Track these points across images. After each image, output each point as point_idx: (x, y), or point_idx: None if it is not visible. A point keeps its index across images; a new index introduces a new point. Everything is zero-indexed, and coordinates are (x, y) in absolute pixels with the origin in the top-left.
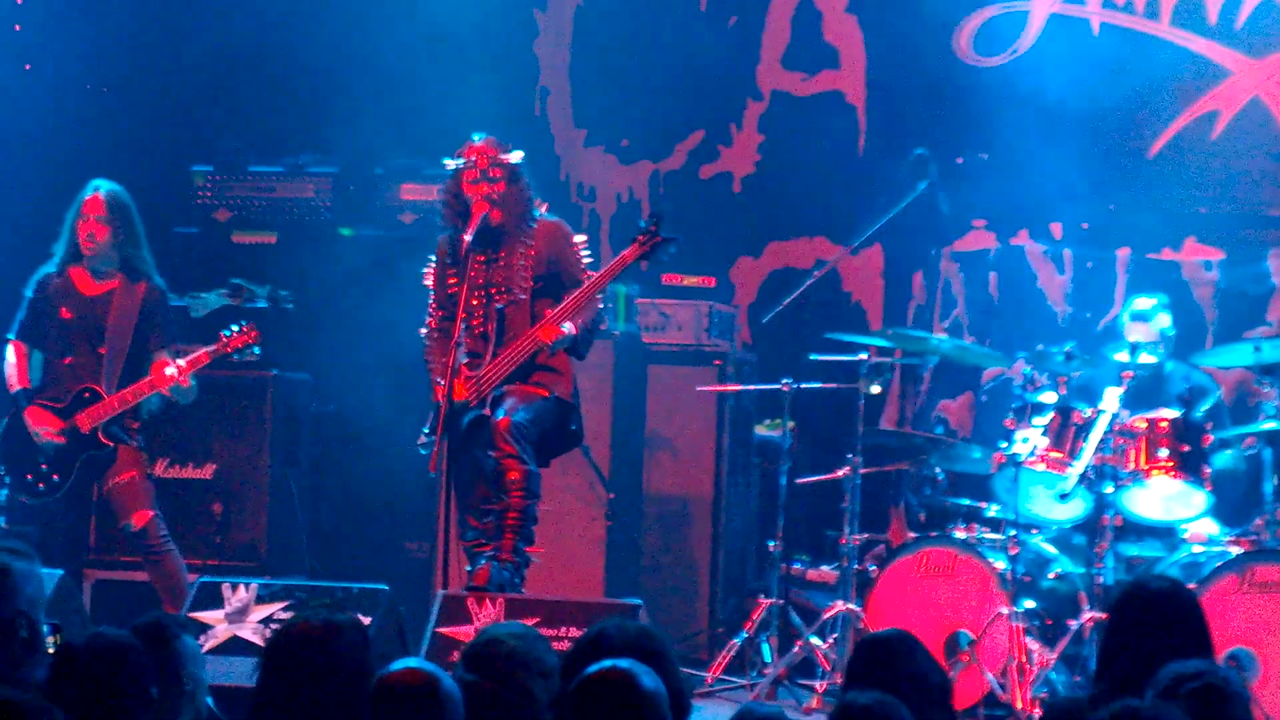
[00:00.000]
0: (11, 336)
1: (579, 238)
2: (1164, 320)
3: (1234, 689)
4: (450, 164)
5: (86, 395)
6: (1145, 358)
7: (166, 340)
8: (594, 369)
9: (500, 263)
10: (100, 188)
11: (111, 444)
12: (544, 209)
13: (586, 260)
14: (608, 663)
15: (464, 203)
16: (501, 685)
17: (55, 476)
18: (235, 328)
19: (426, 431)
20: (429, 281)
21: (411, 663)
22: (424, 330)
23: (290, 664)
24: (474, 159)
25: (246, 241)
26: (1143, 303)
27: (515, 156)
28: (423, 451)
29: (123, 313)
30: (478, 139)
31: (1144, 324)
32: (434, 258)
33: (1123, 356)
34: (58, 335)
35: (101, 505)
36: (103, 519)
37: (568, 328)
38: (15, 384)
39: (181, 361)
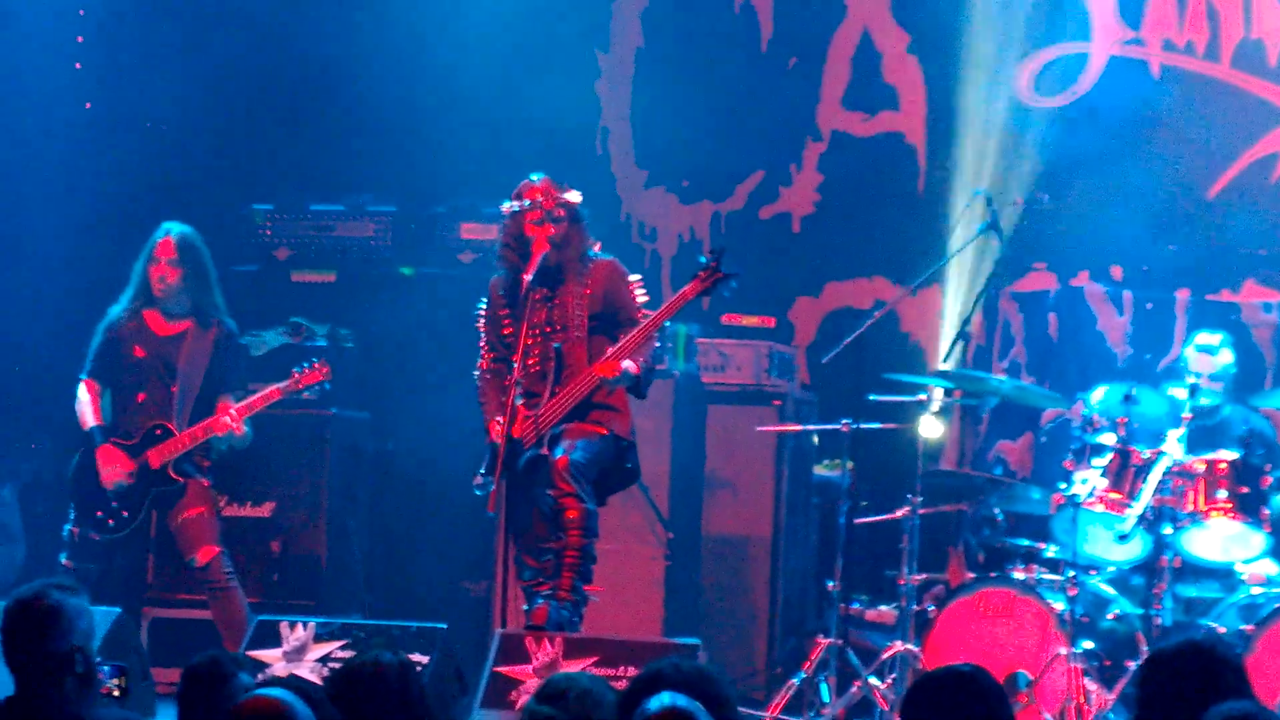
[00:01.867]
0: (84, 376)
1: (634, 276)
2: (1227, 356)
3: None
4: (509, 207)
5: (158, 432)
6: (1205, 398)
7: (235, 383)
8: (653, 408)
9: (556, 301)
10: (171, 231)
11: (181, 480)
12: (597, 247)
13: (643, 299)
14: (667, 701)
15: (525, 244)
16: (574, 719)
17: (125, 513)
18: (307, 365)
19: (483, 472)
20: (481, 324)
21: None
22: (476, 372)
23: (347, 704)
24: (539, 199)
25: (306, 280)
26: (1207, 337)
27: (575, 196)
28: (478, 492)
29: (195, 353)
30: (536, 179)
31: (1209, 356)
32: (485, 300)
33: (1180, 394)
34: (130, 373)
35: (160, 542)
36: (161, 557)
37: (628, 365)
38: (89, 421)
39: (234, 410)
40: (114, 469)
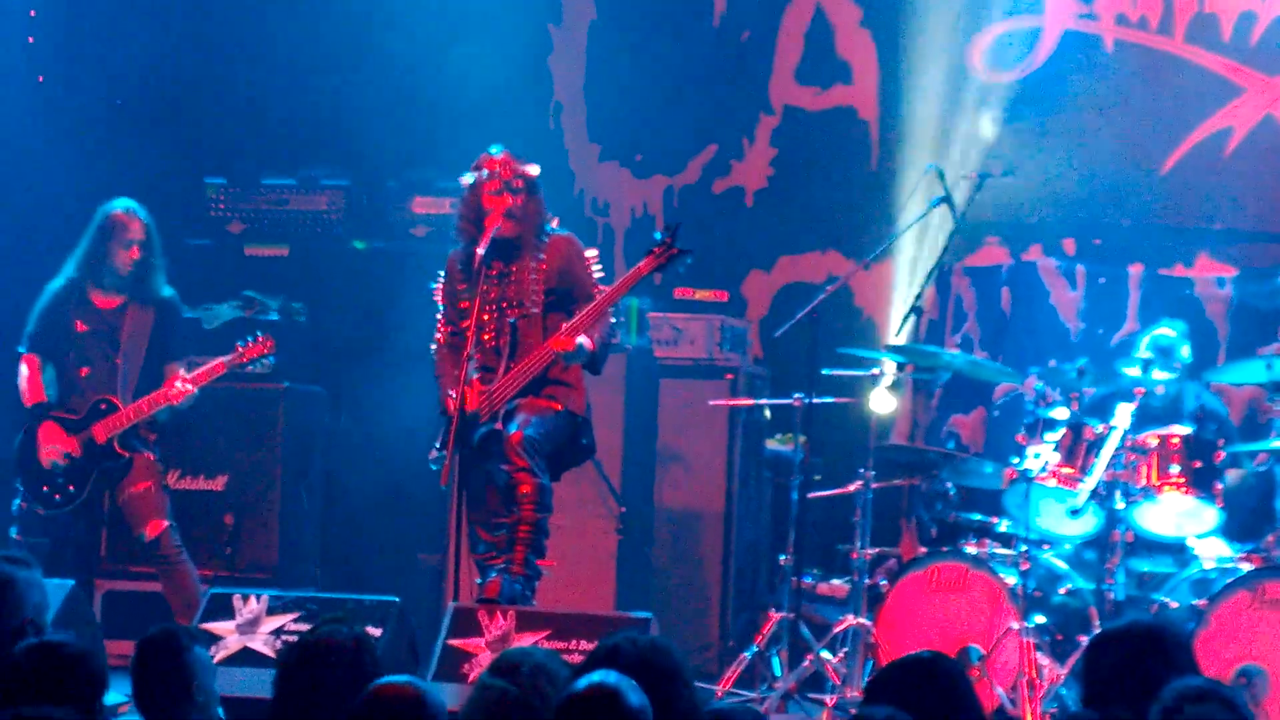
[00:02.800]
0: (23, 350)
1: (590, 252)
2: (1184, 352)
3: (1240, 709)
4: (467, 179)
5: (103, 406)
6: (1159, 374)
7: (180, 352)
8: (606, 383)
9: (512, 277)
10: (131, 209)
11: (128, 455)
12: (555, 223)
13: (598, 275)
14: (596, 678)
15: (482, 216)
16: (526, 693)
17: (71, 488)
18: (250, 338)
19: (438, 446)
20: (438, 297)
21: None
22: (433, 345)
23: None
24: (496, 170)
25: (259, 254)
26: (1166, 333)
27: (534, 169)
28: (433, 466)
29: (138, 324)
30: (495, 151)
31: (1165, 358)
32: (443, 273)
33: (1134, 371)
34: (73, 347)
35: (113, 516)
36: (114, 530)
37: (583, 341)
38: (31, 398)
39: (188, 375)
40: (53, 448)
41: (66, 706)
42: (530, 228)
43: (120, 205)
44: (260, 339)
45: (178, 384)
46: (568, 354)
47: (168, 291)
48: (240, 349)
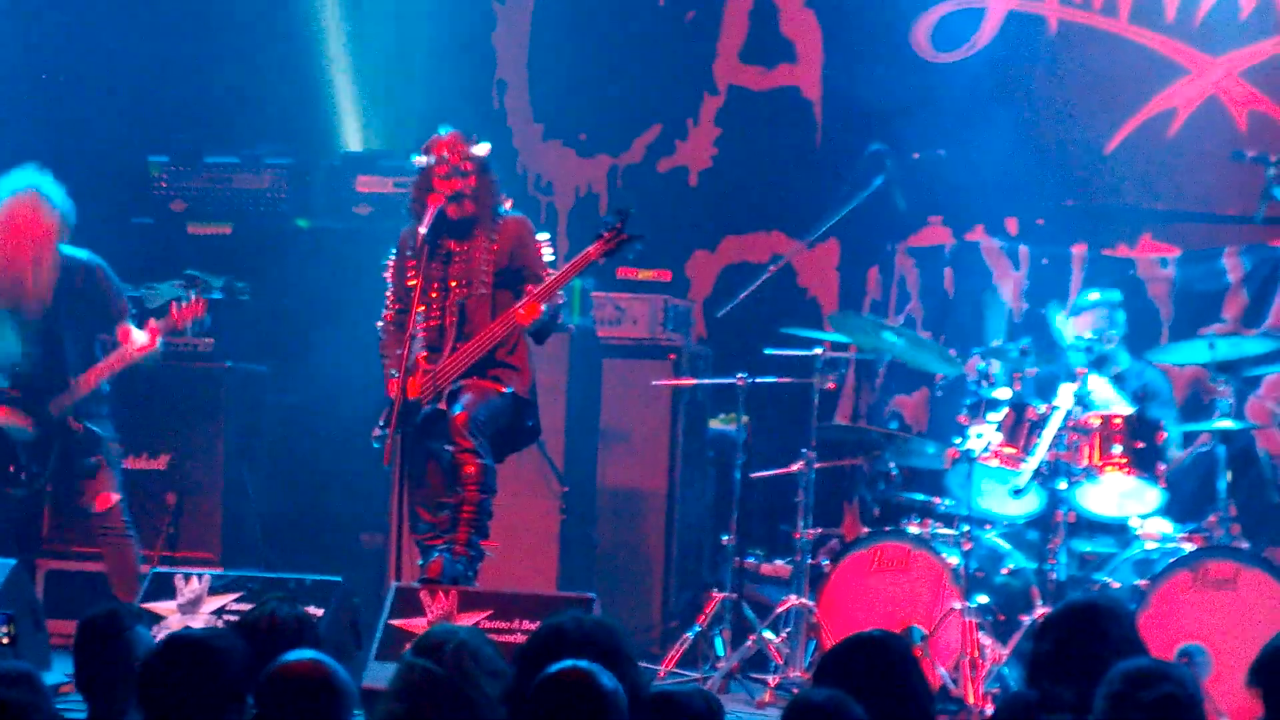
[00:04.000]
0: None
1: (542, 235)
2: (1091, 319)
3: (1190, 695)
4: (419, 160)
5: (53, 382)
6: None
7: (120, 312)
8: (549, 362)
9: (463, 257)
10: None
11: (81, 428)
12: (508, 205)
13: (548, 258)
14: (568, 663)
15: (429, 198)
16: (450, 673)
17: (35, 466)
18: (183, 300)
19: (381, 425)
20: (389, 274)
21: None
22: (380, 323)
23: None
24: (445, 154)
25: (202, 232)
26: (1088, 296)
27: (483, 149)
28: (376, 445)
29: (68, 298)
30: (444, 133)
31: (1078, 317)
32: (394, 250)
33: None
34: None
35: (56, 495)
36: (56, 509)
37: (545, 308)
38: None
39: (144, 332)
40: (15, 423)
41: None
42: (483, 208)
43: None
44: (193, 300)
45: (136, 337)
46: (534, 322)
47: (91, 258)
48: (174, 311)
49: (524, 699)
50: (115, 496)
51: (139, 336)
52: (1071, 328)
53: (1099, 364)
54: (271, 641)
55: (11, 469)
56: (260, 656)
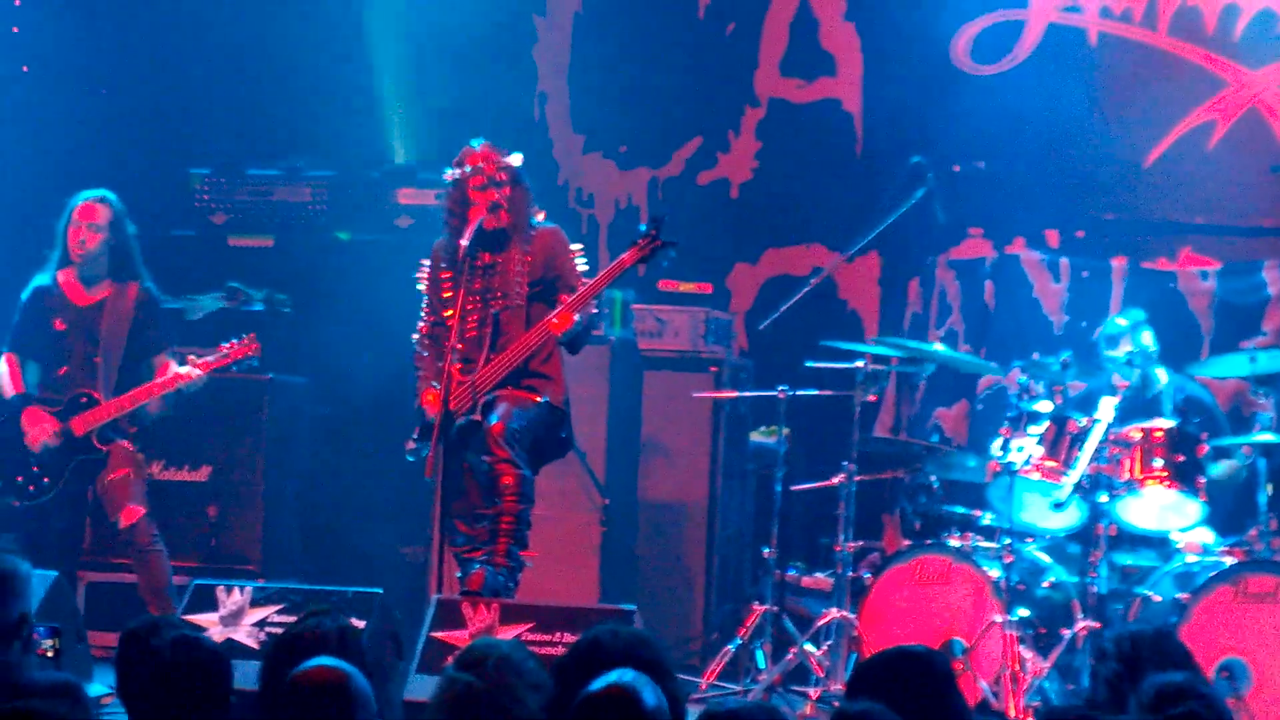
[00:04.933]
0: (4, 349)
1: (576, 245)
2: (1145, 339)
3: (1218, 709)
4: (452, 174)
5: (84, 400)
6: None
7: (163, 344)
8: (590, 374)
9: (498, 268)
10: (90, 196)
11: (105, 448)
12: (541, 216)
13: (582, 268)
14: (612, 678)
15: (469, 210)
16: (492, 687)
17: (46, 480)
18: (235, 339)
19: (415, 437)
20: (423, 286)
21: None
22: (415, 335)
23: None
24: (480, 165)
25: (243, 245)
26: (1116, 322)
27: (516, 160)
28: (410, 458)
29: (116, 319)
30: (477, 145)
31: (1115, 349)
32: (428, 262)
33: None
34: (52, 347)
35: (96, 507)
36: (98, 522)
37: (578, 317)
38: (9, 392)
39: (196, 362)
40: (41, 428)
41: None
42: (517, 220)
43: (83, 196)
44: (245, 340)
45: (182, 368)
46: (565, 332)
47: (146, 283)
48: (224, 349)
49: (564, 712)
50: (141, 510)
51: (186, 367)
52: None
53: (1143, 382)
54: (313, 654)
55: (20, 479)
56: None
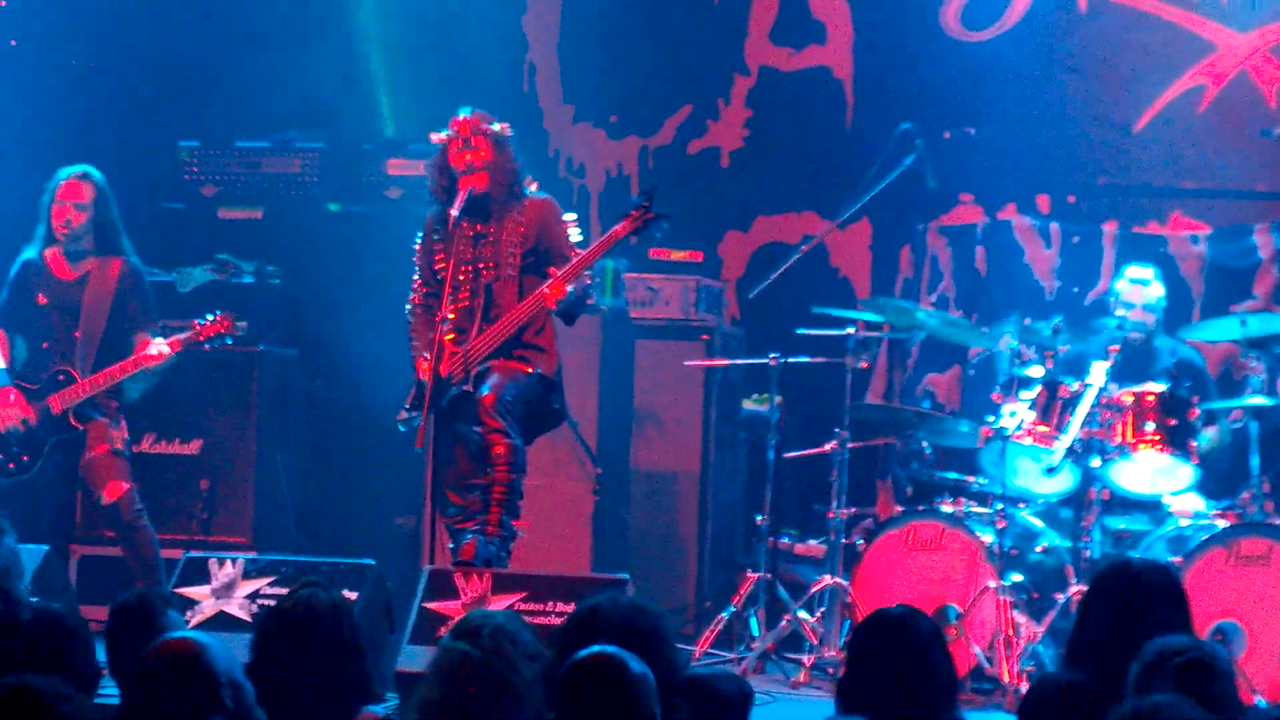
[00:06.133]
0: None
1: (569, 215)
2: (1158, 289)
3: (1221, 664)
4: (437, 138)
5: (60, 378)
6: (1134, 330)
7: (146, 320)
8: (581, 344)
9: (489, 238)
10: (73, 173)
11: (81, 426)
12: (534, 186)
13: (575, 239)
14: (596, 648)
15: (451, 177)
16: (488, 656)
17: (25, 458)
18: (210, 316)
19: (407, 407)
20: (418, 258)
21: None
22: (408, 306)
23: (279, 643)
24: (457, 129)
25: (233, 217)
26: (1139, 270)
27: (500, 127)
28: (402, 428)
29: (98, 295)
30: (464, 113)
31: (1141, 288)
32: (421, 233)
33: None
34: (36, 320)
35: (84, 482)
36: (88, 496)
37: (572, 288)
38: None
39: (164, 344)
40: (11, 412)
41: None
42: (501, 185)
43: (65, 173)
44: (220, 317)
45: (152, 349)
46: (559, 302)
47: (131, 259)
48: (198, 326)
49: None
50: (125, 485)
51: (155, 347)
52: (1128, 295)
53: (1133, 342)
54: (305, 625)
55: (0, 457)
56: (297, 641)
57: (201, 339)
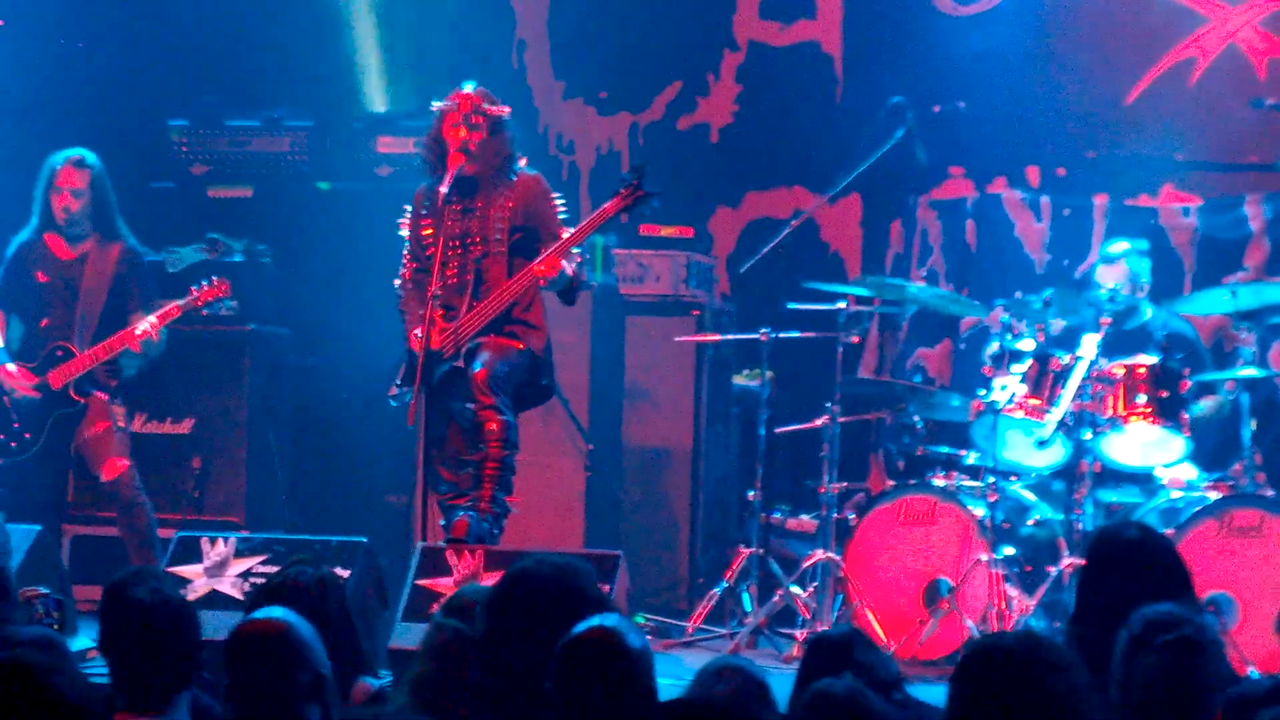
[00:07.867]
0: None
1: (556, 194)
2: (1124, 270)
3: (1208, 640)
4: (436, 106)
5: (59, 354)
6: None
7: (143, 301)
8: (572, 320)
9: (477, 214)
10: (68, 158)
11: (82, 400)
12: (524, 163)
13: (563, 216)
14: (593, 622)
15: (444, 147)
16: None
17: (27, 435)
18: (205, 282)
19: (397, 383)
20: (404, 231)
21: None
22: (398, 281)
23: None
24: (458, 103)
25: (223, 196)
26: (1115, 246)
27: (501, 109)
28: (393, 403)
29: (98, 274)
30: (468, 87)
31: (1110, 267)
32: (410, 207)
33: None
34: (34, 299)
35: (79, 461)
36: (80, 475)
37: (565, 267)
38: None
39: (153, 318)
40: (18, 385)
41: None
42: (491, 166)
43: (61, 159)
44: (216, 282)
45: (139, 326)
46: (551, 280)
47: (130, 241)
48: (195, 292)
49: (497, 649)
50: (124, 463)
51: (143, 323)
52: (1102, 278)
53: (1124, 315)
54: (297, 603)
55: (2, 436)
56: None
57: (200, 304)
